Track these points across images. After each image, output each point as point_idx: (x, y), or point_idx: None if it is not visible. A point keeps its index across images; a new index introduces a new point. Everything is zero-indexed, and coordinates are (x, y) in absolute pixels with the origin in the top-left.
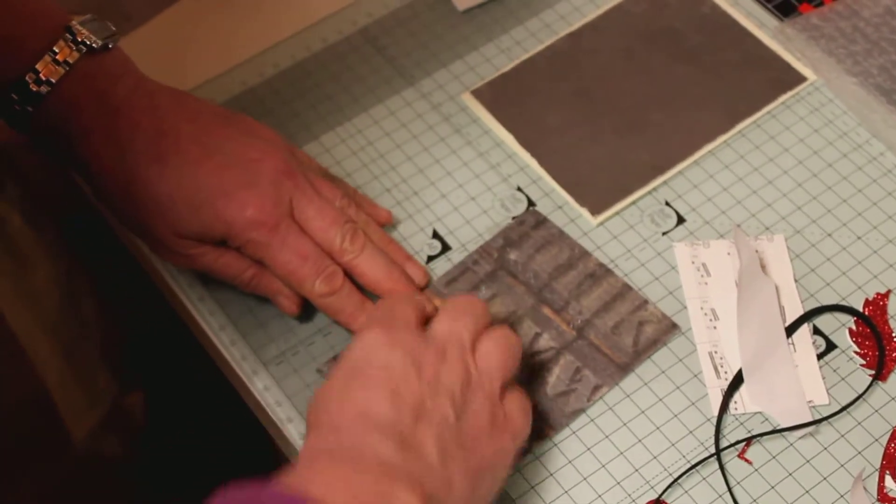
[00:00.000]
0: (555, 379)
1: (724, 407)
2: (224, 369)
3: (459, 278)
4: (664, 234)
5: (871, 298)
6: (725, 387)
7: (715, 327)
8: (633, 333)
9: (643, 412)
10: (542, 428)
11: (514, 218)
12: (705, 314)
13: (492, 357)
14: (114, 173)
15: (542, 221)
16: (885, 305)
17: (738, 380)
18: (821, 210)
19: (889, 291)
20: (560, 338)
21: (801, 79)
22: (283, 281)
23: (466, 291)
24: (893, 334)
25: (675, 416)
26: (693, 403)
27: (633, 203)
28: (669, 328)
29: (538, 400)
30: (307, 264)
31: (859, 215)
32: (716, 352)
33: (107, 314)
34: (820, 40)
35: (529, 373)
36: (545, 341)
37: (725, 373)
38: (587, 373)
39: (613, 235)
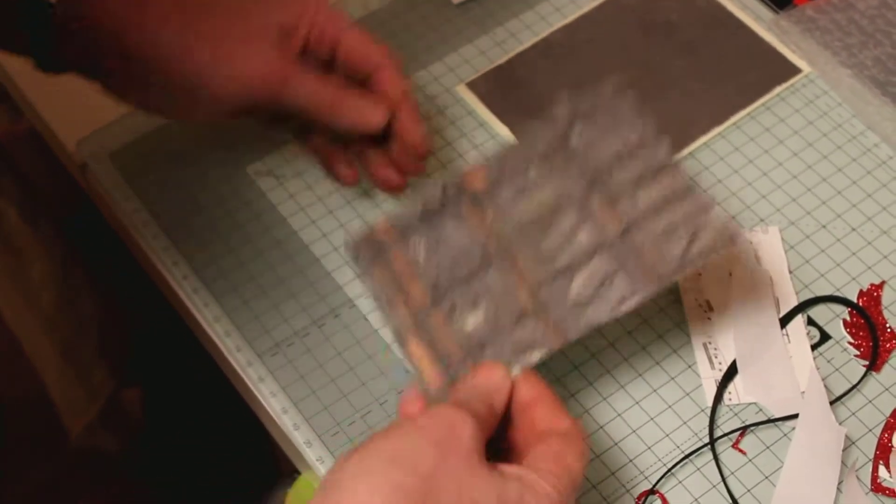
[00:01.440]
0: (582, 282)
1: (718, 397)
2: (219, 361)
3: (511, 157)
4: None
5: (865, 289)
6: (720, 378)
7: (709, 318)
8: (685, 242)
9: (637, 403)
10: (549, 338)
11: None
12: (700, 305)
13: None
14: (156, 43)
15: (619, 92)
16: (879, 296)
17: (732, 371)
18: (815, 201)
19: (883, 283)
20: (601, 236)
21: (795, 71)
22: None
23: (515, 170)
24: (887, 325)
25: (670, 406)
26: (687, 394)
27: None
28: (727, 241)
29: (556, 305)
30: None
31: (854, 206)
32: (710, 343)
33: (104, 311)
34: (815, 32)
35: (554, 273)
36: (584, 237)
37: (720, 363)
38: (619, 279)
39: None
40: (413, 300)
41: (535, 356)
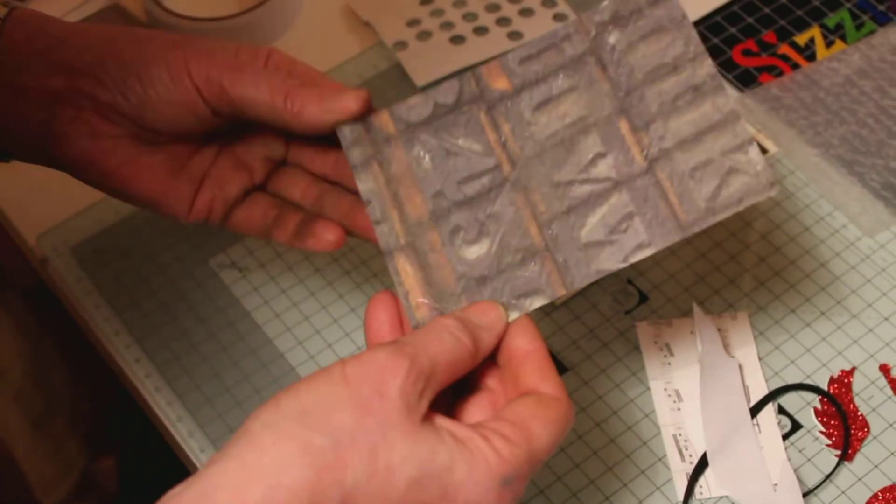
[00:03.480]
0: (597, 221)
1: (689, 492)
2: (184, 460)
3: (539, 56)
4: (627, 312)
5: (835, 376)
6: (690, 470)
7: (679, 409)
8: (716, 183)
9: (608, 498)
10: (552, 283)
11: None
12: (669, 395)
13: None
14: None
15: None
16: (849, 383)
17: (703, 463)
18: (784, 285)
19: (854, 368)
20: (625, 167)
21: (762, 151)
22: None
23: (542, 75)
24: (859, 413)
25: (641, 501)
26: (658, 488)
27: (595, 282)
28: (764, 188)
29: (565, 245)
30: None
31: (823, 290)
32: (680, 434)
33: (76, 384)
34: (780, 111)
35: (568, 207)
36: (605, 168)
37: (690, 456)
38: (637, 223)
39: (576, 315)
40: (411, 210)
41: (536, 303)
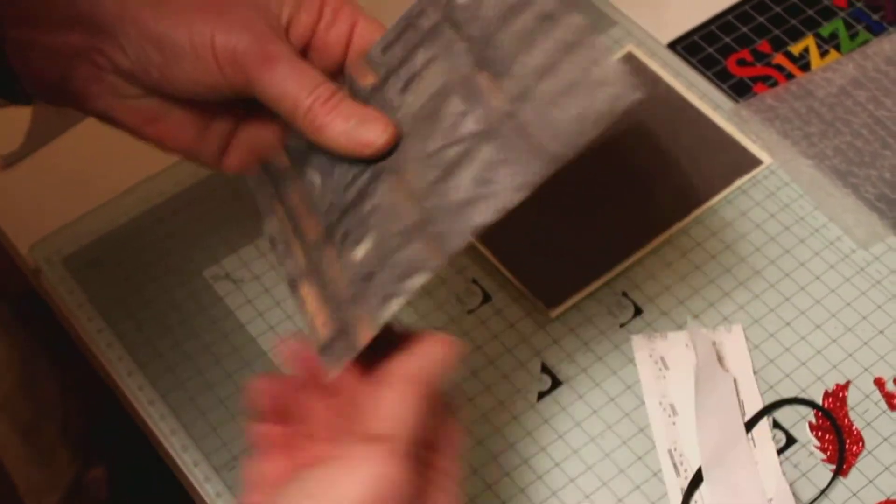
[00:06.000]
0: (467, 179)
1: None
2: (177, 474)
3: (399, 40)
4: (622, 325)
5: (830, 390)
6: (685, 486)
7: (674, 423)
8: (580, 103)
9: None
10: (430, 255)
11: None
12: (664, 409)
13: None
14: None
15: None
16: (844, 397)
17: (698, 478)
18: (779, 298)
19: (848, 382)
20: (489, 117)
21: (756, 162)
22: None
23: (403, 57)
24: (853, 427)
25: None
26: None
27: (590, 294)
28: (628, 93)
29: (441, 214)
30: None
31: (818, 303)
32: (675, 449)
33: (67, 393)
34: (775, 122)
35: (441, 174)
36: (470, 124)
37: (685, 471)
38: (506, 169)
39: (570, 328)
40: (309, 234)
41: (418, 281)
